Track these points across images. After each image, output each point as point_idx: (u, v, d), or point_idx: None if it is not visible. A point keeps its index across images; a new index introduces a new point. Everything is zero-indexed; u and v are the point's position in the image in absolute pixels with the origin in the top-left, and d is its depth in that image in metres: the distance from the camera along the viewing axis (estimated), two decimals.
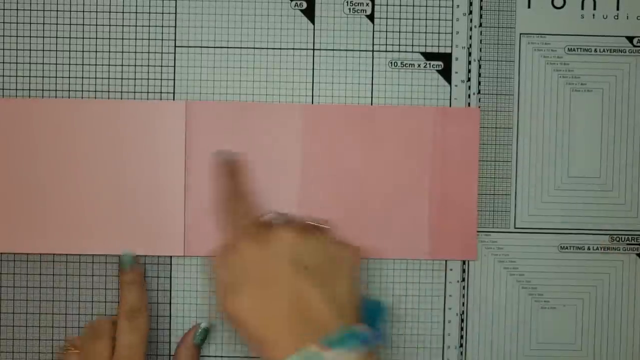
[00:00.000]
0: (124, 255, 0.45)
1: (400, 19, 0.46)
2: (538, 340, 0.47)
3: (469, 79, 0.46)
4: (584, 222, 0.47)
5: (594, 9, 0.47)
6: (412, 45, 0.46)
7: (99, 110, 0.45)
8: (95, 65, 0.46)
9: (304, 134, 0.46)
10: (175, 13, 0.46)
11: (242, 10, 0.46)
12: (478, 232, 0.46)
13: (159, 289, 0.46)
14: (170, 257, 0.46)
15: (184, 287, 0.46)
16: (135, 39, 0.46)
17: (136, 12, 0.46)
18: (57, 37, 0.46)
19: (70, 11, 0.46)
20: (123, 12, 0.46)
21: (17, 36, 0.46)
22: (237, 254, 0.40)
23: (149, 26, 0.46)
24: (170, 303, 0.46)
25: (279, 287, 0.38)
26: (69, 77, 0.46)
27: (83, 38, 0.46)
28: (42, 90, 0.46)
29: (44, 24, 0.46)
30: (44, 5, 0.46)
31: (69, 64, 0.46)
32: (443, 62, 0.46)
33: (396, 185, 0.46)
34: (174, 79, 0.46)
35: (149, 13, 0.46)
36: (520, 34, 0.46)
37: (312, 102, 0.46)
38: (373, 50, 0.46)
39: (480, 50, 0.46)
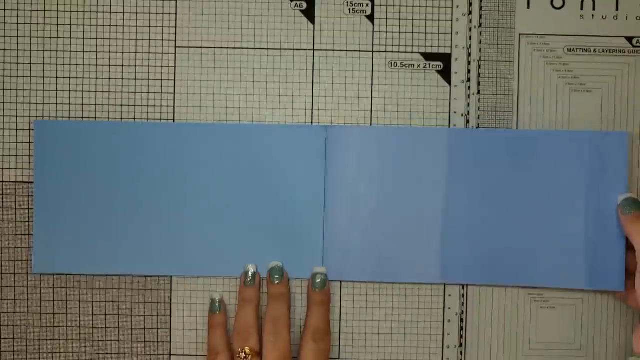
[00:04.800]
0: (274, 269, 0.45)
1: (400, 19, 0.46)
2: (537, 340, 0.47)
3: (468, 80, 0.47)
4: None
5: (594, 9, 0.47)
6: (412, 46, 0.46)
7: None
8: (96, 65, 0.46)
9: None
10: (176, 14, 0.46)
11: (243, 11, 0.46)
12: None
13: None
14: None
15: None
16: (136, 39, 0.46)
17: (137, 13, 0.46)
18: (57, 38, 0.46)
19: (71, 12, 0.46)
20: (124, 13, 0.46)
21: (17, 37, 0.46)
22: None
23: (150, 27, 0.46)
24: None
25: None
26: (69, 77, 0.46)
27: (84, 39, 0.46)
28: (43, 90, 0.46)
29: (44, 24, 0.46)
30: (44, 5, 0.46)
31: (70, 64, 0.46)
32: (443, 63, 0.46)
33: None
34: (174, 79, 0.46)
35: (150, 14, 0.46)
36: (520, 34, 0.46)
37: (312, 102, 0.46)
38: (373, 51, 0.46)
39: (480, 50, 0.47)
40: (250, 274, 0.45)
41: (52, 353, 0.47)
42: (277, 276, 0.45)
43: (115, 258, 0.46)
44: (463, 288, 0.47)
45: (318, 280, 0.45)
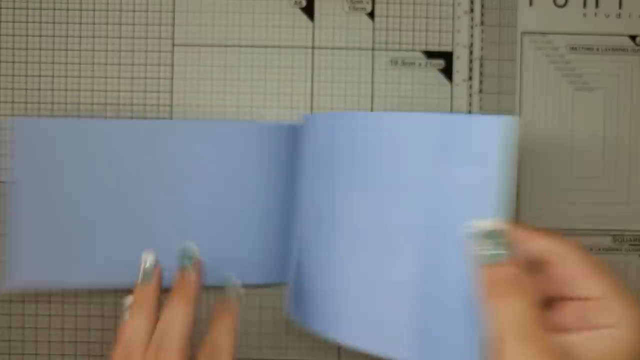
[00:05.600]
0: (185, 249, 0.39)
1: (401, 17, 0.46)
2: None
3: (470, 78, 0.46)
4: (586, 222, 0.46)
5: (597, 7, 0.46)
6: (413, 44, 0.46)
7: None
8: (93, 64, 0.46)
9: None
10: (174, 11, 0.46)
11: (241, 8, 0.46)
12: None
13: None
14: None
15: None
16: (133, 37, 0.46)
17: (134, 11, 0.46)
18: (54, 37, 0.46)
19: (68, 10, 0.46)
20: (121, 11, 0.46)
21: (13, 35, 0.46)
22: None
23: (147, 25, 0.46)
24: None
25: None
26: (67, 77, 0.46)
27: (80, 37, 0.46)
28: (39, 89, 0.46)
29: (40, 22, 0.46)
30: (40, 3, 0.46)
31: (66, 63, 0.46)
32: (444, 61, 0.46)
33: None
34: (172, 78, 0.46)
35: (147, 12, 0.46)
36: (522, 32, 0.46)
37: (312, 100, 0.46)
38: (373, 49, 0.46)
39: (482, 48, 0.46)
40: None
41: None
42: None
43: (101, 268, 0.43)
44: None
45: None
